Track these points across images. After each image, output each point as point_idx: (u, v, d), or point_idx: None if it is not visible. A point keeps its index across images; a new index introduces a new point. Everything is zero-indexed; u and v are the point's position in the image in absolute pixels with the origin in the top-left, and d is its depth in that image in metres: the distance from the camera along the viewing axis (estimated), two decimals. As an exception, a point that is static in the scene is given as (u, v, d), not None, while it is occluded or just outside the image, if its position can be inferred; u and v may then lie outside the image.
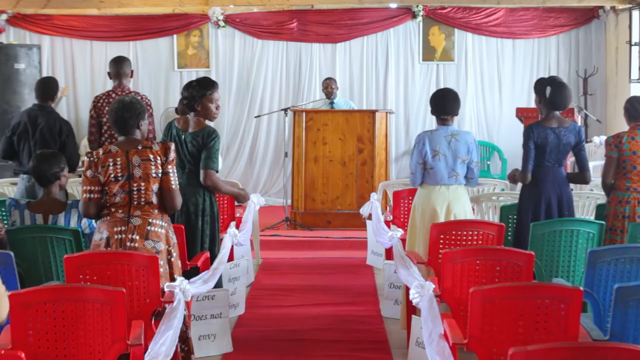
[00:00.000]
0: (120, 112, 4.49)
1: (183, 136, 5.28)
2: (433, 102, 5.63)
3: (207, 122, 5.38)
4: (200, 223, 5.26)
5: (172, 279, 4.36)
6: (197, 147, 5.23)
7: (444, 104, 5.56)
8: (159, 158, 4.44)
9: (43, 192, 5.05)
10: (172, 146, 4.52)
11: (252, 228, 7.05)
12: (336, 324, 5.88)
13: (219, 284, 5.34)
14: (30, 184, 6.34)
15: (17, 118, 6.71)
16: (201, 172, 5.23)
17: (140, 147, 4.44)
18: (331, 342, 5.47)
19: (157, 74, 11.60)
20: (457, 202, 5.50)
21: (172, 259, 4.50)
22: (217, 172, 5.30)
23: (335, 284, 7.08)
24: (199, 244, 5.28)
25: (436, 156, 5.48)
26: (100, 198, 4.45)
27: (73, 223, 4.92)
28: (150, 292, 4.14)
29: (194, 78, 11.91)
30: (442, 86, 11.40)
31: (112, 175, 4.40)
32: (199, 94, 5.30)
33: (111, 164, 4.40)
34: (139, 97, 6.46)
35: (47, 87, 6.64)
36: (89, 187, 4.44)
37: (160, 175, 4.44)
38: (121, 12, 11.34)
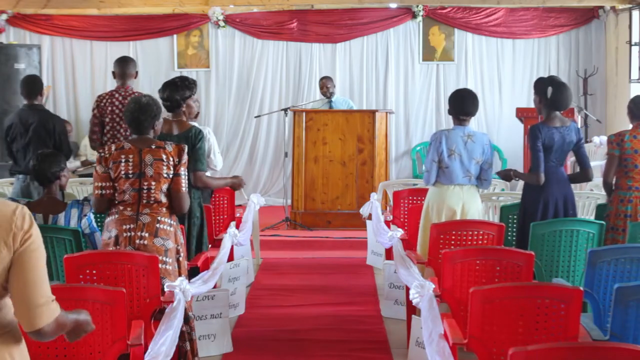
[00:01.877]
0: (136, 114, 4.49)
1: (168, 139, 5.25)
2: (452, 102, 5.61)
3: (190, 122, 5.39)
4: (187, 225, 5.25)
5: (180, 278, 4.36)
6: (188, 150, 5.23)
7: (463, 104, 5.55)
8: (171, 159, 4.44)
9: (43, 192, 5.05)
10: (186, 148, 4.53)
11: (252, 228, 7.05)
12: (336, 324, 5.88)
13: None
14: (25, 184, 6.34)
15: (8, 120, 6.69)
16: (191, 175, 5.16)
17: (153, 147, 4.45)
18: (331, 342, 5.47)
19: (157, 74, 11.58)
20: (470, 203, 5.51)
21: (180, 258, 4.52)
22: (205, 172, 5.33)
23: (335, 284, 7.08)
24: (188, 245, 5.28)
25: (452, 155, 5.48)
26: (113, 194, 4.47)
27: (73, 223, 4.92)
28: (150, 292, 4.14)
29: (194, 78, 11.98)
30: (442, 86, 11.44)
31: (122, 172, 4.40)
32: (186, 95, 5.32)
33: (123, 160, 4.41)
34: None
35: (31, 85, 6.63)
36: (100, 184, 4.46)
37: (171, 176, 4.44)
38: (121, 12, 11.34)
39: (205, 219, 5.43)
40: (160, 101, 4.92)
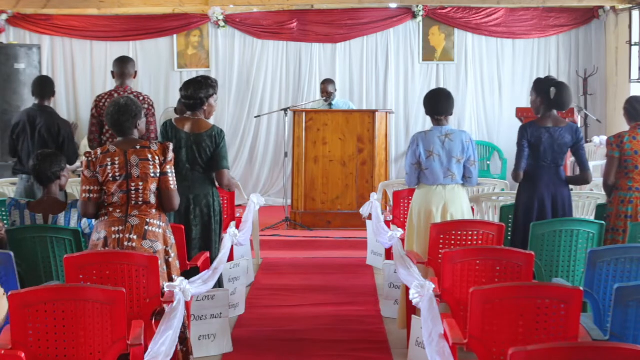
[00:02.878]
0: (117, 116, 4.49)
1: (192, 137, 5.28)
2: (426, 103, 5.62)
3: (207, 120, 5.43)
4: (214, 223, 5.31)
5: (170, 280, 4.36)
6: (211, 148, 5.25)
7: (437, 104, 5.55)
8: (157, 158, 4.44)
9: (43, 192, 5.05)
10: (171, 146, 4.52)
11: (252, 228, 7.05)
12: (336, 324, 5.88)
13: (219, 283, 5.36)
14: (30, 184, 6.34)
15: (17, 118, 6.72)
16: (217, 173, 5.30)
17: (138, 147, 4.44)
18: (331, 342, 5.47)
19: (157, 74, 11.60)
20: (454, 202, 5.49)
21: (170, 260, 4.50)
22: (229, 170, 5.42)
23: (335, 284, 7.08)
24: (213, 243, 5.33)
25: (430, 157, 5.47)
26: (100, 197, 4.46)
27: (73, 223, 4.92)
28: (150, 292, 4.14)
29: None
30: (442, 86, 11.41)
31: (110, 175, 4.40)
32: (208, 94, 5.32)
33: (109, 163, 4.40)
34: (142, 97, 6.46)
35: (44, 86, 6.65)
36: (87, 187, 4.45)
37: (158, 175, 4.44)
38: (121, 12, 11.34)
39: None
40: (139, 102, 4.90)
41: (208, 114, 5.42)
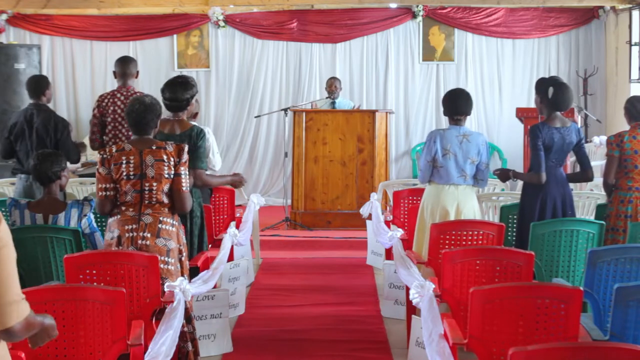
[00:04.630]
0: (142, 114, 4.47)
1: (171, 139, 5.24)
2: (446, 103, 5.62)
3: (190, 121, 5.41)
4: (190, 225, 5.23)
5: (183, 279, 4.36)
6: (190, 148, 5.21)
7: (457, 104, 5.55)
8: (172, 159, 4.43)
9: (43, 192, 5.05)
10: (186, 148, 4.52)
11: (252, 228, 7.05)
12: (336, 324, 5.88)
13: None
14: (28, 184, 6.34)
15: (13, 118, 6.71)
16: (191, 173, 5.14)
17: (154, 147, 4.44)
18: (331, 342, 5.47)
19: (157, 74, 11.58)
20: (466, 202, 5.51)
21: (183, 258, 4.52)
22: (205, 170, 5.30)
23: (335, 284, 7.08)
24: (189, 245, 5.25)
25: (446, 155, 5.48)
26: (116, 195, 4.46)
27: (73, 223, 4.92)
28: (150, 292, 4.14)
29: (194, 78, 11.93)
30: (442, 86, 11.43)
31: (124, 174, 4.40)
32: (193, 93, 5.29)
33: (124, 162, 4.40)
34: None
35: (37, 84, 6.64)
36: (103, 185, 4.45)
37: (172, 176, 4.44)
38: (121, 12, 11.34)
39: (205, 219, 5.42)
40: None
41: (189, 114, 5.42)
